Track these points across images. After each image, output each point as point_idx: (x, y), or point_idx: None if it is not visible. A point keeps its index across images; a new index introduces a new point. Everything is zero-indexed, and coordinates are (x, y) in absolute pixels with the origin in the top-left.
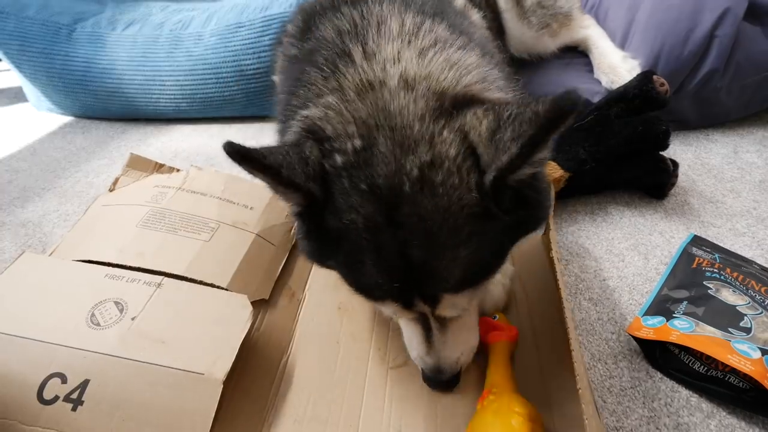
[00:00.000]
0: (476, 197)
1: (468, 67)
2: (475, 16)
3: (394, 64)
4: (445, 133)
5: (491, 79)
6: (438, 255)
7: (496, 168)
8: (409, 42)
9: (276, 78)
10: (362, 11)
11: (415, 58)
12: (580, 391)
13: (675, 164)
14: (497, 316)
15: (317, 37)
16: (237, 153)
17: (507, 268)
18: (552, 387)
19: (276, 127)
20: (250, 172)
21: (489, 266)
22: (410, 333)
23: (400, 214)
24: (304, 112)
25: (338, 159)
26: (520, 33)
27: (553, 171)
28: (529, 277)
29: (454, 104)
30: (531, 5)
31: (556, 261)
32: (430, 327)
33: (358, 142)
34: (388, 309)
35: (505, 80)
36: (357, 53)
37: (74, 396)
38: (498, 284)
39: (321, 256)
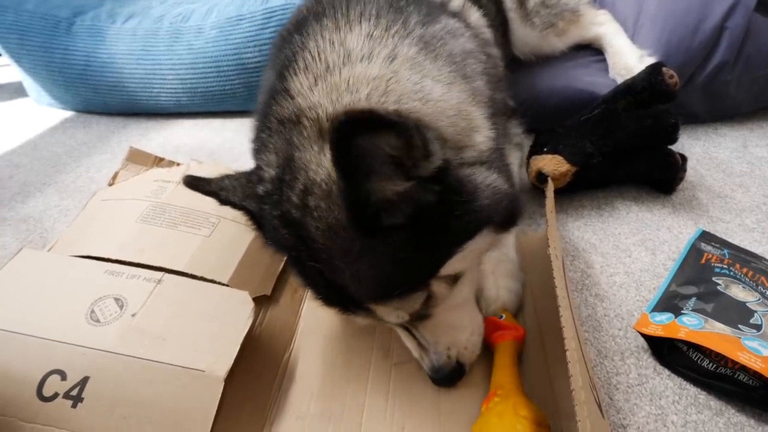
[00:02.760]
0: (346, 216)
1: (358, 81)
2: (474, 15)
3: (300, 96)
4: (317, 158)
5: (397, 90)
6: (340, 273)
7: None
8: (306, 72)
9: None
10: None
11: (308, 87)
12: (573, 392)
13: (683, 158)
14: (503, 315)
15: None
16: (188, 183)
17: (516, 273)
18: (559, 387)
19: None
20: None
21: (406, 281)
22: (398, 332)
23: (301, 239)
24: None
25: (260, 190)
26: (523, 35)
27: (560, 165)
28: (534, 275)
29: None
30: (534, 5)
31: (553, 258)
32: (408, 328)
33: (271, 173)
34: (347, 316)
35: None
36: (288, 83)
37: (74, 393)
38: (505, 289)
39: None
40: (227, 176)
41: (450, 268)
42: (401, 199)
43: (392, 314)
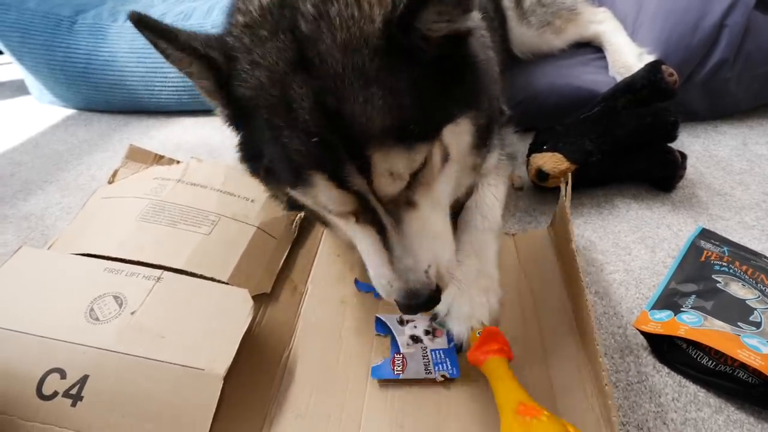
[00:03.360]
0: (380, 29)
1: None
2: (475, 16)
3: None
4: None
5: None
6: (348, 97)
7: (405, 2)
8: None
9: None
10: None
11: None
12: (606, 387)
13: (683, 156)
14: (479, 332)
15: None
16: (139, 21)
17: (494, 288)
18: (558, 385)
19: None
20: (153, 42)
21: (417, 122)
22: (366, 244)
23: (303, 57)
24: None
25: (240, 19)
26: (520, 33)
27: (559, 163)
28: (535, 272)
29: None
30: (530, 5)
31: (576, 253)
32: (384, 227)
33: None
34: (326, 195)
35: None
36: None
37: (73, 391)
38: (480, 306)
39: (250, 152)
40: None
41: (447, 137)
42: (436, 38)
43: (393, 176)
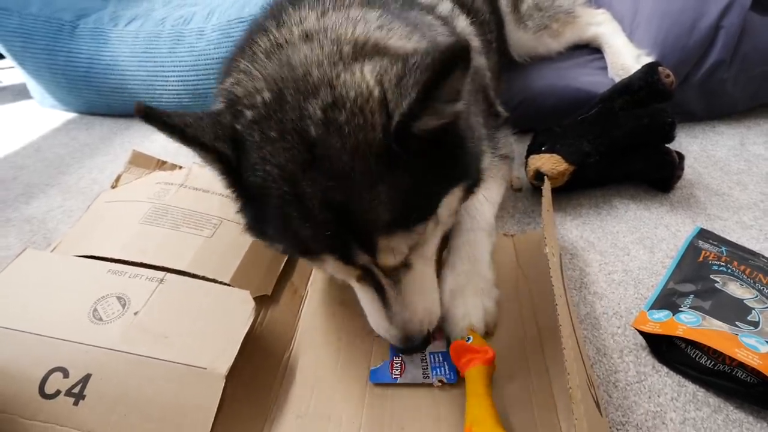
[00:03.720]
0: (381, 138)
1: (367, 19)
2: (462, 23)
3: (298, 25)
4: (344, 76)
5: (394, 28)
6: (357, 195)
7: (400, 113)
8: (314, 8)
9: None
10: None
11: (316, 18)
12: (570, 390)
13: (681, 157)
14: (471, 338)
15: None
16: (144, 113)
17: (489, 290)
18: (557, 386)
19: None
20: (162, 131)
21: (417, 208)
22: (367, 300)
23: (313, 158)
24: (223, 85)
25: (248, 114)
26: (517, 37)
27: (557, 164)
28: (533, 273)
29: (353, 50)
30: (527, 9)
31: (550, 256)
32: (382, 287)
33: (267, 95)
34: (332, 266)
35: (411, 29)
36: (271, 25)
37: (76, 390)
38: (474, 308)
39: (258, 226)
40: (187, 114)
41: (440, 208)
42: (435, 130)
43: (394, 253)
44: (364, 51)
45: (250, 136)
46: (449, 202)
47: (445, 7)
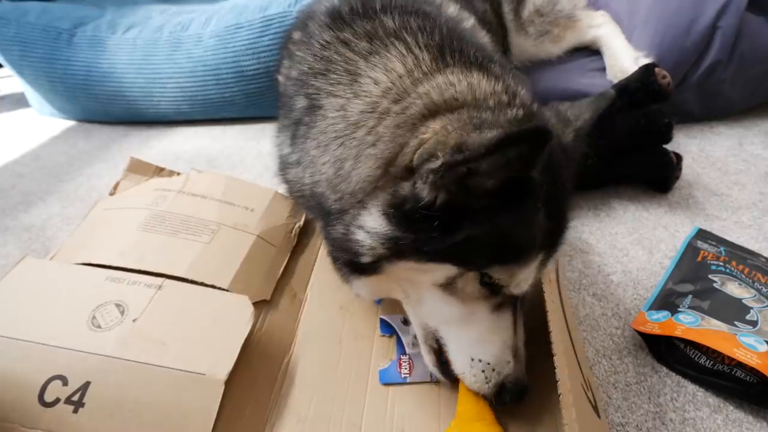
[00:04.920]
0: (568, 161)
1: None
2: (484, 39)
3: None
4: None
5: None
6: (568, 202)
7: (575, 129)
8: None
9: (281, 77)
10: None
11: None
12: (561, 396)
13: (679, 157)
14: None
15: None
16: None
17: None
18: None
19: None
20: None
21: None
22: (501, 331)
23: (558, 170)
24: (428, 86)
25: (519, 112)
26: (518, 43)
27: None
28: None
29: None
30: (528, 15)
31: None
32: (516, 311)
33: (519, 102)
34: (528, 272)
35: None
36: (460, 43)
37: (75, 398)
38: None
39: (450, 233)
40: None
41: None
42: None
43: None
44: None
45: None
46: None
47: (468, 23)
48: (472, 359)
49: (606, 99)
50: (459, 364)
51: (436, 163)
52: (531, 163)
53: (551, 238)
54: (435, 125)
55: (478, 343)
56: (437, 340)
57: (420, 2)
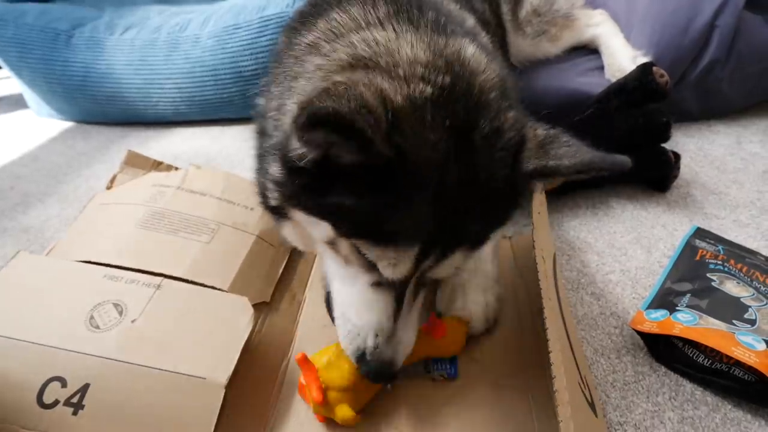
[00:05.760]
0: (508, 174)
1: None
2: (483, 39)
3: (470, 42)
4: (510, 114)
5: None
6: (480, 204)
7: (540, 165)
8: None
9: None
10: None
11: (482, 50)
12: (556, 392)
13: (677, 156)
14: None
15: None
16: (323, 119)
17: (490, 286)
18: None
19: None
20: (323, 141)
21: (488, 234)
22: (373, 308)
23: (467, 158)
24: (355, 38)
25: (427, 90)
26: (516, 43)
27: None
28: (531, 275)
29: (510, 95)
30: (525, 15)
31: (539, 260)
32: (402, 298)
33: (447, 79)
34: (400, 259)
35: None
36: (429, 10)
37: (75, 400)
38: (473, 303)
39: (322, 192)
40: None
41: (490, 238)
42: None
43: (449, 268)
44: (510, 94)
45: (417, 114)
46: (485, 271)
47: (470, 22)
48: (344, 314)
49: (601, 165)
50: (336, 312)
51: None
52: (344, 148)
53: (438, 235)
54: (338, 78)
55: (350, 306)
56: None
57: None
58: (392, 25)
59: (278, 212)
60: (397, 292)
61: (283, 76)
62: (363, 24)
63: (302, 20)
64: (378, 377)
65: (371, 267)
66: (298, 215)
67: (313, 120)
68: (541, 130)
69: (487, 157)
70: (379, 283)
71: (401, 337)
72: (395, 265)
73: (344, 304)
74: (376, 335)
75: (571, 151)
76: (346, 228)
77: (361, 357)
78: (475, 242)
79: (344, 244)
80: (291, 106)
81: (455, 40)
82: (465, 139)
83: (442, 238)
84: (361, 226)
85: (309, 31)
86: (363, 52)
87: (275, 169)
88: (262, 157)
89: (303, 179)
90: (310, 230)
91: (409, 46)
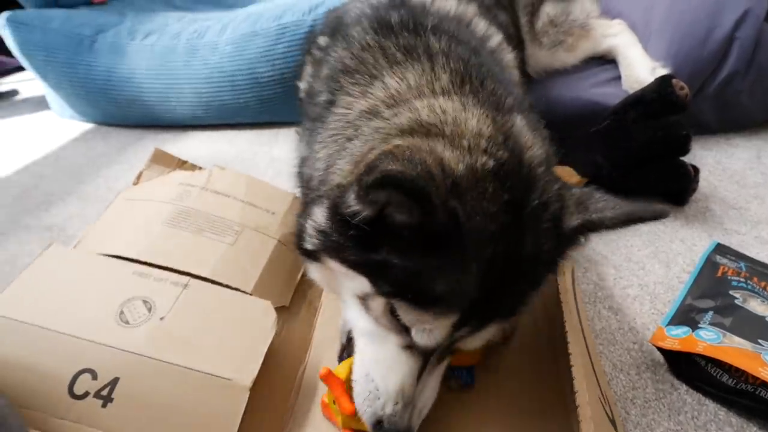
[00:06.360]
0: (554, 242)
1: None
2: (508, 56)
3: (518, 112)
4: (554, 186)
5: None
6: (522, 279)
7: (585, 219)
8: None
9: (302, 83)
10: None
11: (528, 124)
12: (579, 408)
13: (696, 170)
14: None
15: (428, 43)
16: (393, 180)
17: None
18: (572, 401)
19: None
20: (386, 200)
21: (523, 304)
22: (398, 372)
23: (518, 232)
24: (418, 104)
25: (490, 163)
26: (533, 54)
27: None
28: (546, 287)
29: (553, 169)
30: (542, 26)
31: (560, 273)
32: (426, 365)
33: (505, 155)
34: (433, 324)
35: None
36: (487, 80)
37: (104, 393)
38: None
39: (369, 248)
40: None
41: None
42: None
43: (483, 339)
44: (552, 166)
45: (480, 186)
46: None
47: (496, 40)
48: (368, 374)
49: (643, 215)
50: (357, 372)
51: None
52: (405, 209)
53: (478, 306)
54: (402, 142)
55: (377, 364)
56: (349, 340)
57: (461, 28)
58: (458, 96)
59: (312, 256)
60: (424, 360)
61: (330, 137)
62: (426, 91)
63: (350, 79)
64: None
65: (402, 330)
66: (334, 264)
67: (384, 181)
68: (576, 190)
69: (535, 232)
70: (409, 348)
71: (418, 404)
72: (430, 331)
73: (369, 364)
74: (396, 403)
75: (609, 204)
76: (387, 286)
77: (377, 424)
78: (511, 314)
79: (378, 303)
80: (342, 165)
81: (509, 116)
82: (518, 214)
83: (482, 309)
84: (403, 286)
85: (363, 96)
86: (428, 117)
87: (321, 218)
88: (306, 204)
89: (352, 234)
90: (343, 281)
91: (475, 120)
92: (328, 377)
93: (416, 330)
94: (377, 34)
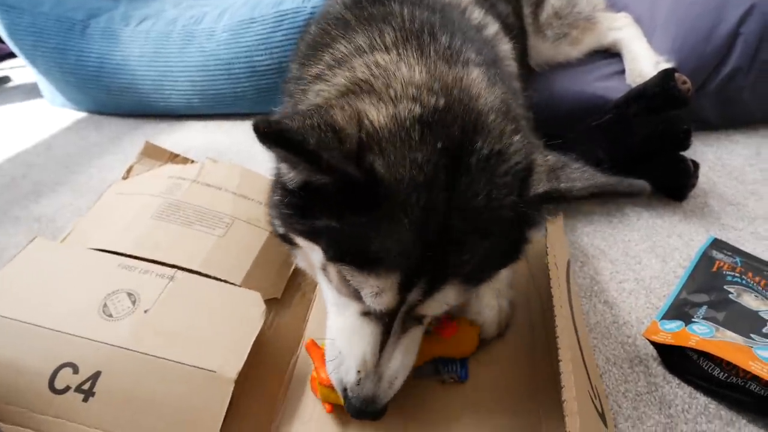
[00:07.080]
0: (515, 200)
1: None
2: (505, 47)
3: (477, 66)
4: (516, 138)
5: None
6: (474, 234)
7: (551, 187)
8: (484, 66)
9: (294, 64)
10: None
11: (486, 77)
12: (565, 403)
13: (695, 165)
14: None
15: (389, 11)
16: (270, 135)
17: (503, 290)
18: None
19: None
20: (283, 158)
21: (487, 273)
22: (358, 339)
23: (460, 182)
24: (356, 62)
25: (416, 109)
26: (536, 46)
27: None
28: (543, 280)
29: (515, 119)
30: (547, 18)
31: (552, 266)
32: (389, 330)
33: (441, 101)
34: (380, 285)
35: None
36: (443, 36)
37: (86, 387)
38: (487, 307)
39: (308, 214)
40: (304, 123)
41: (492, 279)
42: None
43: (441, 304)
44: (515, 118)
45: (403, 133)
46: (499, 275)
47: (492, 29)
48: (333, 341)
49: (617, 189)
50: (327, 339)
51: None
52: (295, 166)
53: (424, 264)
54: (334, 103)
55: (340, 332)
56: None
57: (444, 3)
58: (397, 49)
59: (287, 240)
60: (385, 324)
61: (291, 108)
62: (367, 49)
63: (311, 51)
64: (358, 414)
65: (357, 295)
66: (300, 241)
67: (270, 137)
68: (552, 157)
69: (485, 182)
70: (368, 313)
71: (385, 373)
72: (378, 294)
73: (333, 331)
74: (359, 371)
75: (584, 176)
76: (333, 252)
77: (344, 392)
78: (471, 277)
79: (333, 270)
80: None
81: (461, 67)
82: (460, 162)
83: (429, 268)
84: (345, 250)
85: (315, 64)
86: (361, 75)
87: (276, 195)
88: (272, 189)
89: (294, 201)
90: (309, 255)
91: (407, 69)
92: (311, 347)
93: (365, 293)
94: (346, 7)
